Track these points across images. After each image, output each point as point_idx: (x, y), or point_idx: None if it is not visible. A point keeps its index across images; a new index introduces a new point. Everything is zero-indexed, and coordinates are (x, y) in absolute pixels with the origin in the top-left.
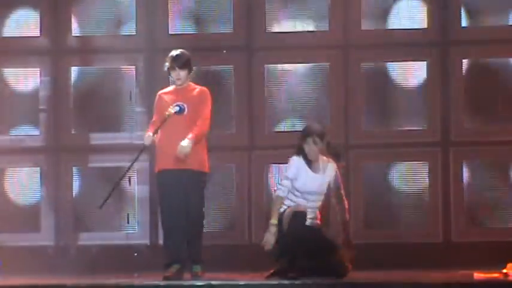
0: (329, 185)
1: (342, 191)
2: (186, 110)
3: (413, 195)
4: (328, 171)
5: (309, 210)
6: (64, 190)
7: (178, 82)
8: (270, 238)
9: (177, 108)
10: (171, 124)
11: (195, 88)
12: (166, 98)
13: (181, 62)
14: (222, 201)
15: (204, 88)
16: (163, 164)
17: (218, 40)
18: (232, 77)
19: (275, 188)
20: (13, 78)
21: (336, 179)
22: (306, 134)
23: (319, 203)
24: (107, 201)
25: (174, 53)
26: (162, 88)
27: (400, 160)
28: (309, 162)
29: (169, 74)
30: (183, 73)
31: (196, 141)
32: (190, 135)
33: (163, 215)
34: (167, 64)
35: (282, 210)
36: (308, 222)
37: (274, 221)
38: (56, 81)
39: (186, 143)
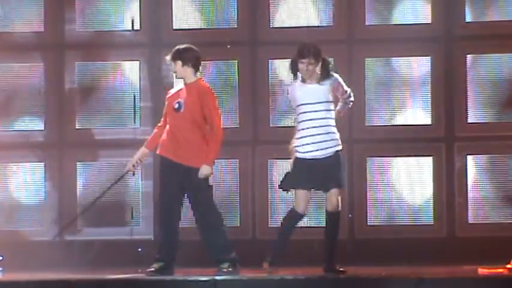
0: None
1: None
2: (182, 108)
3: (418, 190)
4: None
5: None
6: (68, 185)
7: (175, 75)
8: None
9: (176, 106)
10: (174, 119)
11: (199, 86)
12: (172, 92)
13: (173, 54)
14: (226, 196)
15: (204, 86)
16: (166, 153)
17: (222, 35)
18: (237, 71)
19: None
20: (17, 73)
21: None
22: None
23: (321, 114)
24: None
25: (179, 46)
26: (165, 83)
27: (404, 155)
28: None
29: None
30: (177, 66)
31: (216, 155)
32: (208, 158)
33: (159, 205)
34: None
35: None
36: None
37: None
38: (60, 77)
39: (205, 168)
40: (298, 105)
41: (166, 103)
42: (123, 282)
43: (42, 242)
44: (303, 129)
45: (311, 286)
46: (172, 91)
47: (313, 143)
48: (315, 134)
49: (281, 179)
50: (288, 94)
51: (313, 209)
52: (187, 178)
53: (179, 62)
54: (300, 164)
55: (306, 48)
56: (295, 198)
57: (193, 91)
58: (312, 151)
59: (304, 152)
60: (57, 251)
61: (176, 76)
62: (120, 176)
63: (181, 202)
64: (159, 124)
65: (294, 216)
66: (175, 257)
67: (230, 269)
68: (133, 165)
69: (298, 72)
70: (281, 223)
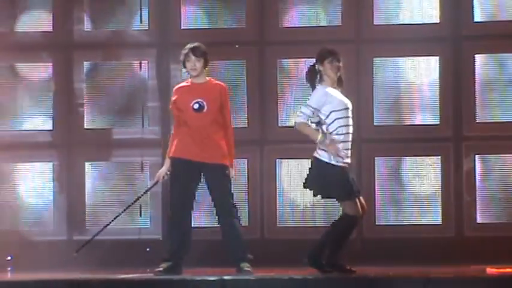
0: None
1: None
2: (205, 107)
3: (426, 189)
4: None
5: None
6: (76, 185)
7: (193, 73)
8: (335, 149)
9: (196, 106)
10: (196, 120)
11: (215, 84)
12: (185, 92)
13: (198, 52)
14: (234, 196)
15: (224, 85)
16: (183, 154)
17: (230, 35)
18: (245, 71)
19: (297, 116)
20: (26, 73)
21: None
22: (327, 54)
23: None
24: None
25: (191, 44)
26: (173, 82)
27: (412, 155)
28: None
29: (184, 66)
30: (198, 64)
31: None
32: (232, 160)
33: (171, 207)
34: (183, 55)
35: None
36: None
37: (320, 135)
38: (69, 76)
39: (231, 171)
40: (343, 109)
41: (176, 107)
42: (132, 282)
43: (50, 242)
44: (345, 133)
45: (319, 286)
46: (177, 95)
47: (350, 149)
48: (350, 140)
49: (333, 192)
50: (316, 98)
51: (325, 209)
52: (210, 173)
53: (202, 60)
54: (346, 171)
55: (333, 50)
56: (346, 205)
57: (212, 90)
58: (350, 156)
59: (348, 157)
60: (65, 250)
61: (192, 74)
62: (150, 186)
63: (193, 204)
64: (172, 132)
65: (353, 221)
66: (184, 256)
67: (250, 269)
68: (163, 177)
69: (315, 82)
70: (343, 233)
